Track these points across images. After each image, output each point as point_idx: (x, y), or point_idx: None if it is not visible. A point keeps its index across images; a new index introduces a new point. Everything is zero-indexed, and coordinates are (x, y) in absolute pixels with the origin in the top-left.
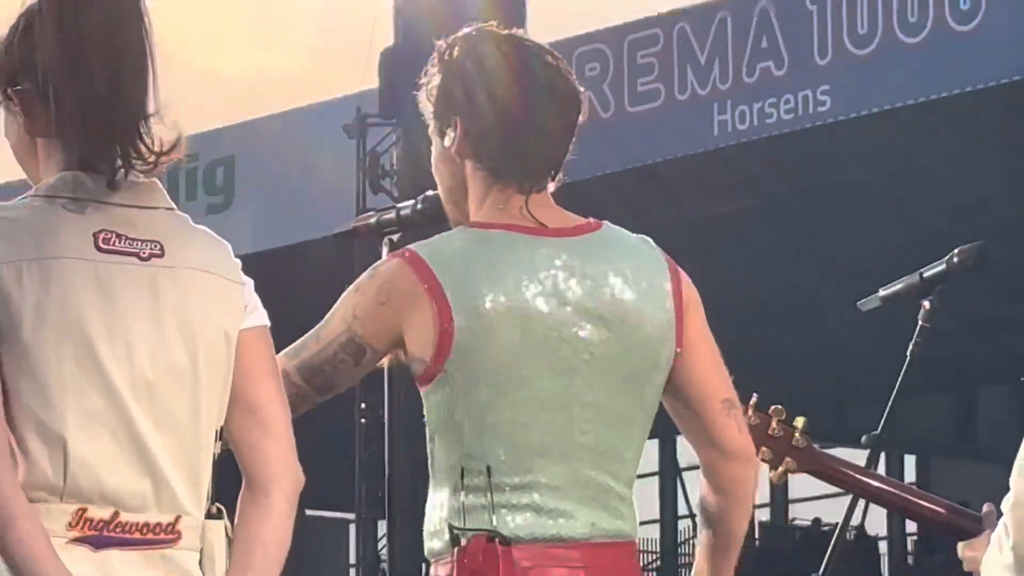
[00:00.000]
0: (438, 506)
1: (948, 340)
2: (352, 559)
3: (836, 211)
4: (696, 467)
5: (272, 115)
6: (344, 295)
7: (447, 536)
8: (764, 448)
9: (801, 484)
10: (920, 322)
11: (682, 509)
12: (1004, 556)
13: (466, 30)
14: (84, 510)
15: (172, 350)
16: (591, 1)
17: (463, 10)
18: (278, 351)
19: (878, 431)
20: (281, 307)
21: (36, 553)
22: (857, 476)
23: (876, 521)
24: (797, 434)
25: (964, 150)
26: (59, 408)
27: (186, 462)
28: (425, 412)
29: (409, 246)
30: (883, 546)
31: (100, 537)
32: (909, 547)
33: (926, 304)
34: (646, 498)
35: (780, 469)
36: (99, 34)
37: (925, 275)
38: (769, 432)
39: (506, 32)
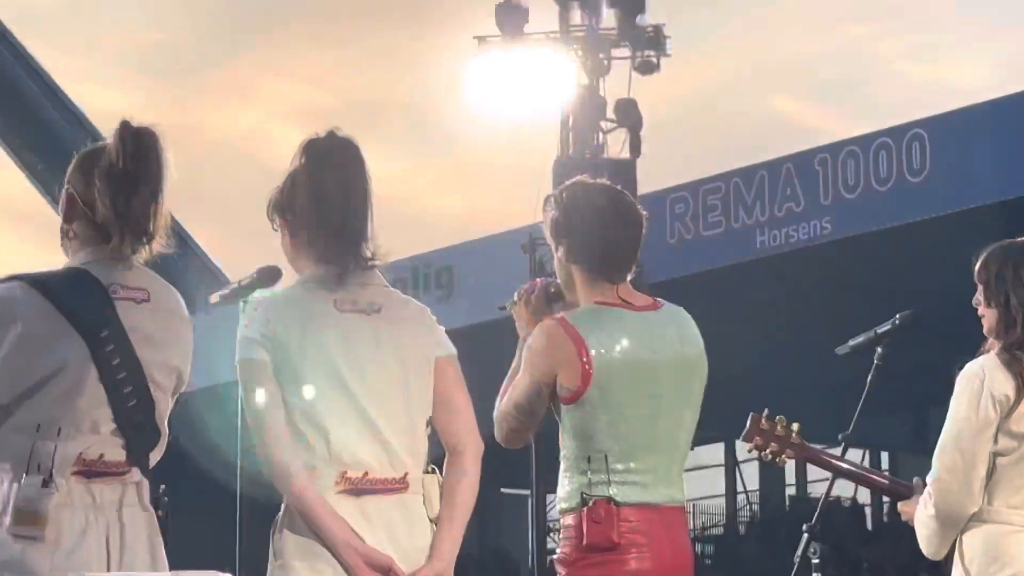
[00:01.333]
0: (570, 480)
1: (901, 375)
2: (529, 521)
3: (833, 296)
4: (748, 460)
5: (477, 239)
6: (525, 353)
7: (579, 499)
8: (772, 444)
9: (814, 470)
10: (876, 362)
11: (739, 488)
12: (928, 511)
13: (570, 182)
14: (345, 472)
15: (390, 369)
16: (679, 165)
17: (592, 170)
18: (485, 377)
19: (848, 432)
20: (485, 352)
21: (309, 498)
22: (831, 460)
23: (863, 494)
24: (794, 435)
25: (912, 255)
26: (320, 409)
27: (405, 438)
28: (564, 421)
29: (560, 314)
30: (867, 511)
31: (357, 489)
32: (884, 509)
33: (879, 350)
34: (715, 480)
35: (783, 457)
36: (335, 189)
37: (879, 331)
38: (776, 433)
39: (594, 182)
